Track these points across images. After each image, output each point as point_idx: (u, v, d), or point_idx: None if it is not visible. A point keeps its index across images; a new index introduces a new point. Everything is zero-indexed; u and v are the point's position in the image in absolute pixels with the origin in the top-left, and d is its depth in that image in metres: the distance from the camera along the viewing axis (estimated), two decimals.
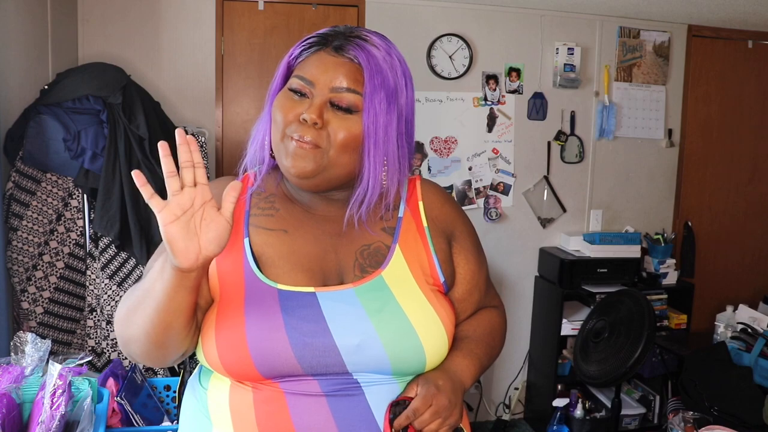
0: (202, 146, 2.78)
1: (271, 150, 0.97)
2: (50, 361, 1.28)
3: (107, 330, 2.41)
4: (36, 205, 2.25)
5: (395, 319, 0.89)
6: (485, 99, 3.29)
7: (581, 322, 3.02)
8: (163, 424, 1.79)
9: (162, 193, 0.79)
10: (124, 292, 2.42)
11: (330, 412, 0.87)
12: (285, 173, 0.94)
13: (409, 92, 0.97)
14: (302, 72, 0.93)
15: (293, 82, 0.94)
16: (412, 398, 0.90)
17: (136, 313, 0.86)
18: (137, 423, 1.69)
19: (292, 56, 0.96)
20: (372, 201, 0.95)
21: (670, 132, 3.56)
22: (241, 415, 0.89)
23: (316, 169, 0.91)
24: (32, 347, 1.35)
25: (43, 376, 1.32)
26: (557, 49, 3.30)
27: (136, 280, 2.42)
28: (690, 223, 3.62)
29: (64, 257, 2.34)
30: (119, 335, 0.92)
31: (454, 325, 0.98)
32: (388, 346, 0.88)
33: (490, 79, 3.28)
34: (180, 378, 1.90)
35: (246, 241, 0.94)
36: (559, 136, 3.40)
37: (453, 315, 0.98)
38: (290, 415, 0.87)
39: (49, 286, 2.31)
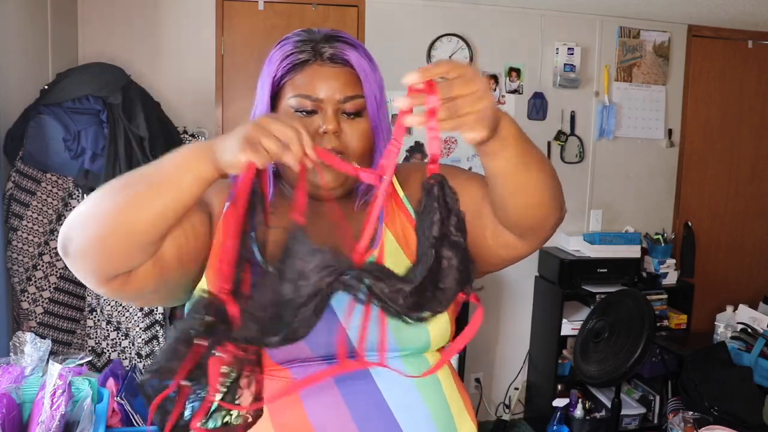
0: None
1: (275, 173, 0.99)
2: (50, 361, 1.29)
3: (107, 330, 2.41)
4: (36, 205, 2.25)
5: None
6: None
7: (581, 322, 3.02)
8: None
9: None
10: None
11: (341, 396, 0.88)
12: (311, 190, 0.94)
13: (378, 74, 0.99)
14: (304, 90, 0.94)
15: (301, 103, 0.94)
16: None
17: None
18: (137, 423, 1.69)
19: (276, 76, 0.97)
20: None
21: (670, 132, 3.55)
22: None
23: (345, 178, 0.94)
24: (32, 347, 1.35)
25: (43, 376, 1.32)
26: (557, 49, 3.30)
27: None
28: (690, 223, 3.62)
29: None
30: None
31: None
32: (391, 322, 0.88)
33: (490, 78, 3.28)
34: None
35: (252, 234, 0.96)
36: (559, 136, 3.39)
37: None
38: (302, 403, 0.87)
39: (49, 286, 2.30)
